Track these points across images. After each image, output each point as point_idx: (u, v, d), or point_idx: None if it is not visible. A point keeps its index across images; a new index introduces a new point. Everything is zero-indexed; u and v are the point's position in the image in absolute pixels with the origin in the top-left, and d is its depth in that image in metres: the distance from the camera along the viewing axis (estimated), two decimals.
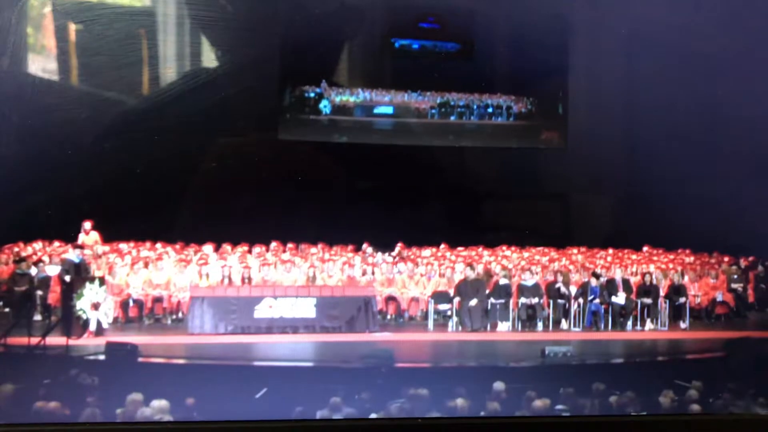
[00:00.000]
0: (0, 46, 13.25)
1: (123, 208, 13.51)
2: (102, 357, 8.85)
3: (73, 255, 11.02)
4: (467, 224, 15.96)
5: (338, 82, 16.42)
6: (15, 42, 13.58)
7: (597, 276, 12.36)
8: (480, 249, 14.50)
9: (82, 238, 12.59)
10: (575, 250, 14.80)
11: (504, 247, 14.70)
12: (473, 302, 11.47)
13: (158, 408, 7.12)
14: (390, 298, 12.37)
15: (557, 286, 12.29)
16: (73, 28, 14.56)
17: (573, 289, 12.23)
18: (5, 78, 13.53)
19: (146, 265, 11.75)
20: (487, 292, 11.76)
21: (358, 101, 16.47)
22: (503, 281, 11.91)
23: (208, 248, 13.04)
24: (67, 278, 10.56)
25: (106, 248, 12.74)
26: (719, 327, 12.52)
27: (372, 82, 16.33)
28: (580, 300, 12.07)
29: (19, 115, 13.58)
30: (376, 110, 16.86)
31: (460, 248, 14.46)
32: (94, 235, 12.93)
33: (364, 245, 13.69)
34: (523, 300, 11.83)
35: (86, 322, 10.23)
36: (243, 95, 14.85)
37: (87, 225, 12.66)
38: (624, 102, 16.89)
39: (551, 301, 12.01)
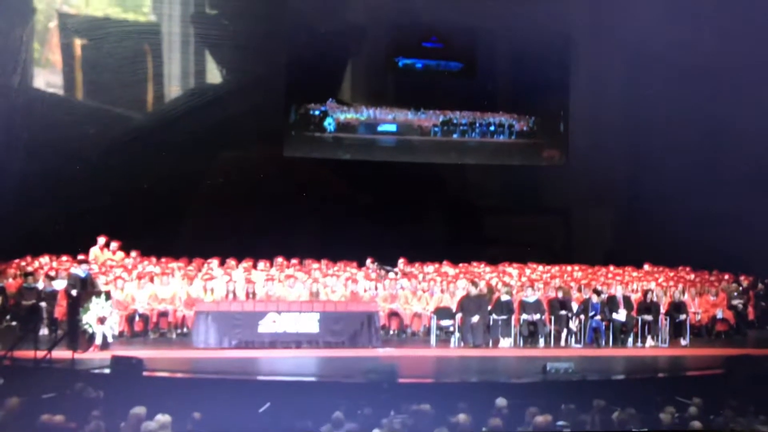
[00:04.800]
0: (11, 64, 13.46)
1: (129, 223, 13.64)
2: (107, 370, 8.90)
3: (79, 270, 11.10)
4: (469, 241, 16.04)
5: (343, 101, 16.63)
6: (26, 60, 13.80)
7: (598, 293, 12.40)
8: (482, 265, 14.60)
9: (95, 252, 12.71)
10: (576, 267, 14.89)
11: (506, 264, 14.80)
12: (475, 318, 11.51)
13: (162, 422, 7.17)
14: (393, 314, 12.43)
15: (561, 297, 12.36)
16: (82, 46, 14.79)
17: (574, 306, 12.28)
18: (16, 94, 13.72)
19: (152, 279, 11.84)
20: (489, 308, 11.80)
21: (362, 119, 16.67)
22: (505, 297, 11.95)
23: (213, 263, 13.18)
24: (74, 292, 10.62)
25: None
26: (719, 344, 12.56)
27: (376, 101, 16.54)
28: (582, 317, 12.11)
29: (29, 130, 13.75)
30: (380, 128, 17.07)
31: (462, 264, 14.57)
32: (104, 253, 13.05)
33: (368, 261, 13.80)
34: (524, 316, 11.87)
35: (92, 336, 10.29)
36: (249, 113, 15.05)
37: (102, 240, 12.81)
38: (625, 121, 17.05)
39: (552, 317, 12.05)
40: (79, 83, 14.65)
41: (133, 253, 13.04)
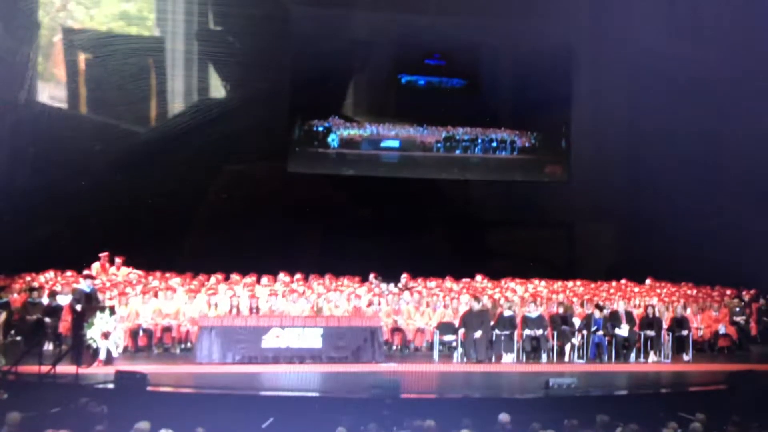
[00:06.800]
0: (18, 81, 13.60)
1: (134, 238, 13.69)
2: (111, 385, 8.91)
3: (84, 285, 11.13)
4: (472, 256, 16.05)
5: (346, 117, 16.76)
6: (32, 76, 13.94)
7: (600, 308, 12.41)
8: (485, 281, 14.60)
9: (96, 268, 12.75)
10: (578, 282, 14.90)
11: (508, 279, 14.81)
12: (478, 333, 11.51)
13: None
14: (396, 329, 12.45)
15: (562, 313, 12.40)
16: (87, 62, 14.93)
17: (576, 321, 12.28)
18: (22, 111, 13.84)
19: (156, 294, 11.87)
20: (492, 323, 11.81)
21: (365, 135, 16.79)
22: (508, 313, 11.96)
23: (216, 278, 13.20)
24: (78, 307, 10.65)
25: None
26: (722, 359, 12.55)
27: (379, 117, 16.67)
28: (584, 332, 12.11)
29: (35, 146, 13.85)
30: (383, 144, 17.19)
31: (465, 279, 14.58)
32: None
33: (371, 276, 13.83)
34: (527, 331, 11.87)
35: (96, 351, 10.32)
36: (253, 129, 15.16)
37: (104, 256, 12.85)
38: (626, 136, 17.12)
39: (554, 332, 12.06)
40: (84, 99, 14.78)
41: (138, 270, 13.09)
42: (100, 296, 11.20)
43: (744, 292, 14.48)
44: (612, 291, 14.18)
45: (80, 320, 10.40)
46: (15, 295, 12.04)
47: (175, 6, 15.16)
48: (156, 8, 15.13)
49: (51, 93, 14.66)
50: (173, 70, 15.21)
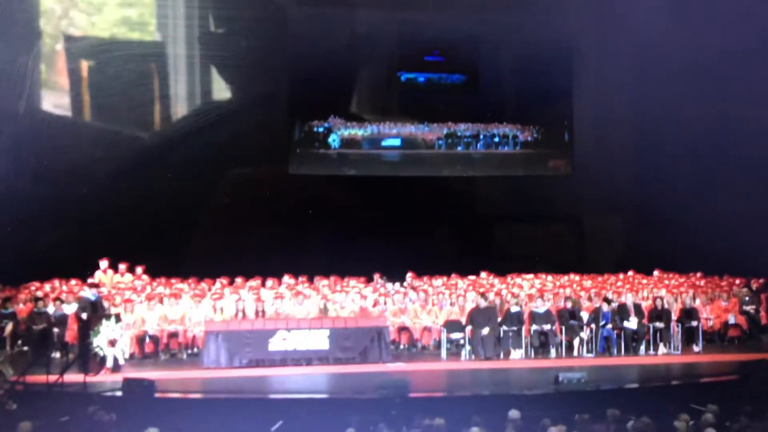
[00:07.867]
0: (17, 90, 13.59)
1: (138, 244, 13.67)
2: (119, 393, 8.91)
3: (89, 293, 11.13)
4: (477, 253, 15.98)
5: (346, 117, 16.70)
6: (32, 85, 13.93)
7: (608, 301, 12.34)
8: (491, 277, 14.55)
9: (99, 276, 12.75)
10: (585, 276, 14.82)
11: (515, 275, 14.73)
12: (485, 330, 11.47)
13: None
14: (402, 328, 12.41)
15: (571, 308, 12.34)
16: (88, 68, 14.91)
17: (584, 316, 12.21)
18: (22, 120, 13.82)
19: (161, 300, 11.86)
20: (499, 320, 11.76)
21: (366, 134, 16.73)
22: (515, 309, 11.91)
23: (221, 282, 13.18)
24: (84, 316, 10.65)
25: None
26: (733, 350, 12.46)
27: (379, 116, 16.61)
28: (593, 326, 12.05)
29: (36, 155, 13.83)
30: (384, 143, 17.13)
31: (471, 276, 14.52)
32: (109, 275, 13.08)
33: (376, 276, 13.78)
34: (535, 327, 11.82)
35: (103, 359, 10.32)
36: (253, 131, 15.12)
37: (104, 263, 12.84)
38: (630, 128, 17.02)
39: (563, 327, 12.00)
40: (85, 106, 14.77)
41: (144, 276, 13.08)
42: (105, 304, 11.22)
43: (753, 281, 14.36)
44: (619, 284, 14.11)
45: (86, 328, 10.41)
46: (21, 306, 12.05)
47: (175, 11, 15.16)
48: (157, 13, 15.13)
49: (53, 100, 14.65)
50: (174, 75, 15.20)
